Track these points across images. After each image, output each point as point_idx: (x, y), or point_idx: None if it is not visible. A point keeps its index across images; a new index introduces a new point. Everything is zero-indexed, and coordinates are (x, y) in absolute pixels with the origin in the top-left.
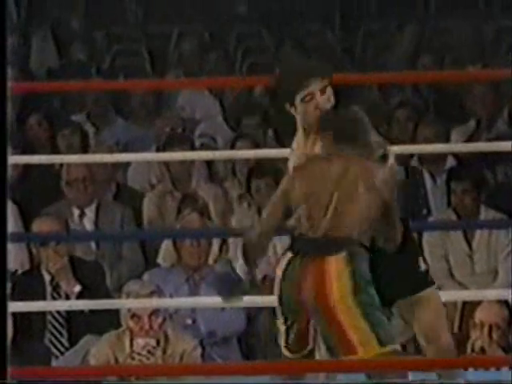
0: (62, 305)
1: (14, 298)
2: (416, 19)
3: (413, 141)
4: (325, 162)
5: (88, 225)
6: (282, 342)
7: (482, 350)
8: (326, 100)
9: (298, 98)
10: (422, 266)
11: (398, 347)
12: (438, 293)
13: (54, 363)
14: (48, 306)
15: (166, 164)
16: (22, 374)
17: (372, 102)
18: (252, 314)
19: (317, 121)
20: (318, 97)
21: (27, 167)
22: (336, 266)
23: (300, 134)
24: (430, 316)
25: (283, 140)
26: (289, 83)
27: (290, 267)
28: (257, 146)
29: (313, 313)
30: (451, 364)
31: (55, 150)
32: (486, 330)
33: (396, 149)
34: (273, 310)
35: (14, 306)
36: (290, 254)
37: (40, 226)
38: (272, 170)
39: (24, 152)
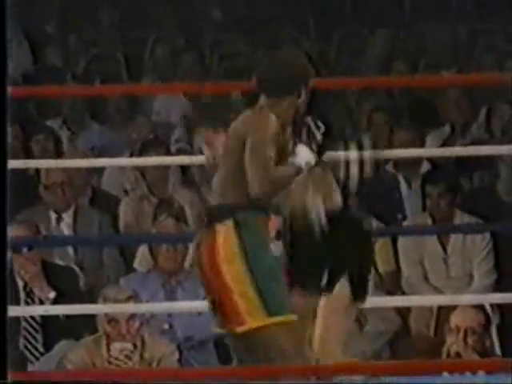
0: (37, 310)
1: None
2: (389, 23)
3: (388, 145)
4: None
5: (66, 229)
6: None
7: (458, 354)
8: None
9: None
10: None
11: (290, 317)
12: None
13: (29, 368)
14: (24, 312)
15: (142, 169)
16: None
17: (347, 106)
18: None
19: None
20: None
21: None
22: (225, 235)
23: None
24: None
25: None
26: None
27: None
28: None
29: (206, 282)
30: (427, 368)
31: (29, 156)
32: (461, 334)
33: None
34: None
35: None
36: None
37: (14, 231)
38: None
39: None
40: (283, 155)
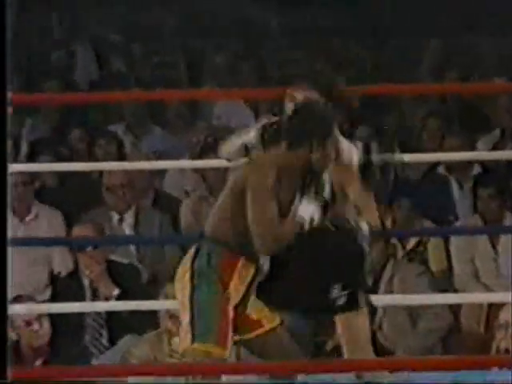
0: (102, 306)
1: (56, 300)
2: (441, 34)
3: (440, 149)
4: None
5: (127, 229)
6: None
7: (507, 350)
8: None
9: None
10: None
11: (210, 347)
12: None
13: (94, 362)
14: (89, 307)
15: (202, 171)
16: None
17: (402, 112)
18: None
19: None
20: None
21: (67, 175)
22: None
23: None
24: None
25: None
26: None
27: None
28: None
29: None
30: (476, 364)
31: (93, 159)
32: (510, 330)
33: (425, 157)
34: None
35: (55, 308)
36: None
37: (79, 231)
38: None
39: (62, 160)
40: (284, 206)
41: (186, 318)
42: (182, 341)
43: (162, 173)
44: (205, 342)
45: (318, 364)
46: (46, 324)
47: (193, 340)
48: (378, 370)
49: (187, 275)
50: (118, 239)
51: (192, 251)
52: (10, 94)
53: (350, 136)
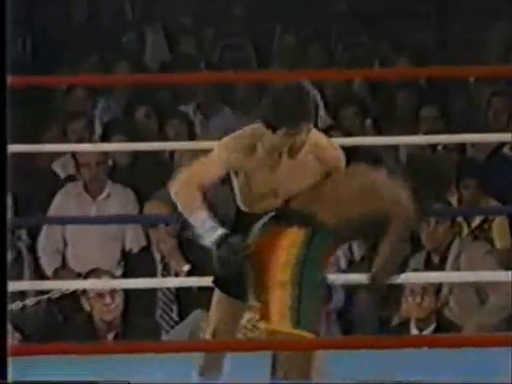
0: (173, 281)
1: (129, 275)
2: (507, 16)
3: (507, 129)
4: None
5: None
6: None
7: None
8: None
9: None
10: None
11: (309, 335)
12: None
13: (164, 337)
14: (160, 283)
15: None
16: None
17: (468, 92)
18: (351, 289)
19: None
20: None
21: (138, 154)
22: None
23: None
24: None
25: (380, 128)
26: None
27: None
28: (350, 135)
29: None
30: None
31: (164, 139)
32: None
33: (491, 137)
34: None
35: (127, 283)
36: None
37: (151, 208)
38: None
39: (132, 140)
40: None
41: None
42: (274, 322)
43: None
44: (309, 330)
45: (385, 340)
46: (119, 299)
47: (295, 325)
48: (445, 346)
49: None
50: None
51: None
52: (9, 78)
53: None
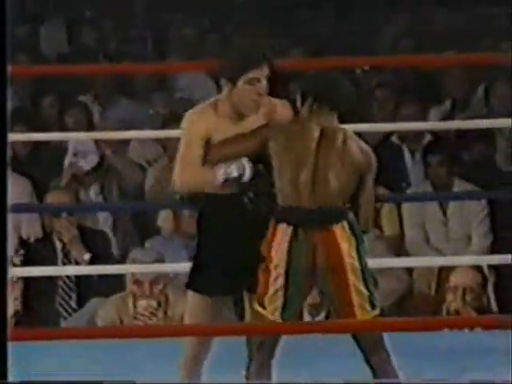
0: (71, 270)
1: (27, 264)
2: (399, 8)
3: (393, 119)
4: (301, 126)
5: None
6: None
7: (457, 312)
8: (266, 87)
9: (240, 80)
10: None
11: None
12: None
13: (62, 324)
14: (58, 271)
15: (164, 141)
16: (23, 337)
17: (355, 82)
18: None
19: (255, 103)
20: (263, 83)
21: (38, 144)
22: (342, 234)
23: (223, 107)
24: None
25: None
26: (236, 64)
27: (295, 239)
28: None
29: (322, 279)
30: (427, 325)
31: (64, 128)
32: (460, 293)
33: (378, 126)
34: None
35: (27, 271)
36: (285, 226)
37: (53, 198)
38: None
39: (36, 130)
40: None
41: (357, 284)
42: (362, 310)
43: (125, 142)
44: (377, 308)
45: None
46: (18, 290)
47: (373, 307)
48: (342, 331)
49: (353, 247)
50: (91, 207)
51: (345, 224)
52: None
53: None
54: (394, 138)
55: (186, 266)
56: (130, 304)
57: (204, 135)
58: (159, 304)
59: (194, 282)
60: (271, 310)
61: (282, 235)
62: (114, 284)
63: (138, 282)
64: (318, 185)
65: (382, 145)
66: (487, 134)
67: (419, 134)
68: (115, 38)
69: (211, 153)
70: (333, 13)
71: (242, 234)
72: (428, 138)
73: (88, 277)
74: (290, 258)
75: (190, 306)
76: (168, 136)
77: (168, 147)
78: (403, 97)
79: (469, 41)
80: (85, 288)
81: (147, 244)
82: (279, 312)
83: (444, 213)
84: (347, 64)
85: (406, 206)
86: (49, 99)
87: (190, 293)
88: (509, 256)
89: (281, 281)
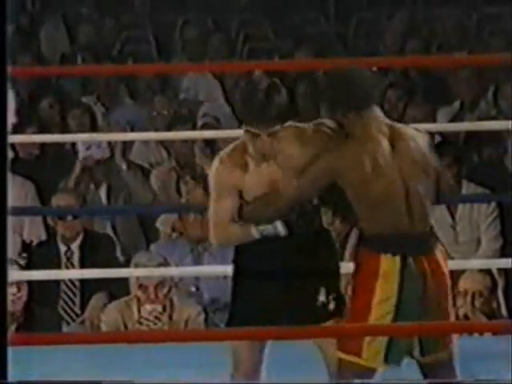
0: (74, 274)
1: (30, 267)
2: (405, 8)
3: (401, 120)
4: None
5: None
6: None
7: (466, 316)
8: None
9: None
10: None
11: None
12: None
13: (64, 329)
14: (61, 275)
15: (167, 143)
16: (24, 342)
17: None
18: None
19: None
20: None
21: (43, 146)
22: (443, 257)
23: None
24: None
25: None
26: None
27: (406, 269)
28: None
29: (430, 312)
30: (437, 330)
31: (66, 130)
32: (469, 297)
33: None
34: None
35: (29, 275)
36: (390, 256)
37: (58, 200)
38: None
39: (39, 132)
40: None
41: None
42: (369, 353)
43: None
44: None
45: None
46: (24, 290)
47: (386, 361)
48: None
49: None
50: (96, 209)
51: (441, 248)
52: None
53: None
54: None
55: (190, 271)
56: (135, 309)
57: (235, 186)
58: (164, 308)
59: (236, 321)
60: (370, 356)
61: (388, 266)
62: (119, 288)
63: (142, 286)
64: (412, 203)
65: None
66: (496, 136)
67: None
68: (118, 39)
69: (247, 211)
70: (338, 13)
71: (284, 272)
72: (436, 139)
73: (92, 281)
74: (401, 290)
75: (235, 348)
76: (172, 138)
77: (172, 149)
78: (412, 98)
79: (478, 41)
80: (88, 293)
81: (152, 247)
82: (381, 357)
83: (452, 216)
84: (355, 65)
85: None
86: (49, 100)
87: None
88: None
89: (389, 318)
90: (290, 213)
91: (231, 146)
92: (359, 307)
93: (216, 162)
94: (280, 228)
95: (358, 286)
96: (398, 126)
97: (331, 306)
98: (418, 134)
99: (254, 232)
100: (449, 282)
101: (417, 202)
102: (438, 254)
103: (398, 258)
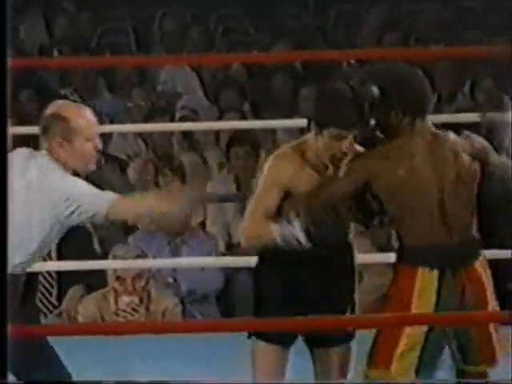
0: (51, 265)
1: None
2: (383, 1)
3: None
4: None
5: None
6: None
7: None
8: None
9: (327, 131)
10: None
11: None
12: None
13: (42, 321)
14: (38, 267)
15: (147, 135)
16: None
17: (341, 77)
18: (230, 273)
19: (335, 160)
20: (349, 141)
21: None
22: (484, 271)
23: (311, 154)
24: None
25: (259, 112)
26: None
27: (443, 283)
28: (243, 118)
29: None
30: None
31: None
32: None
33: None
34: (248, 269)
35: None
36: (427, 269)
37: None
38: (250, 139)
39: (19, 123)
40: None
41: (412, 348)
42: (400, 365)
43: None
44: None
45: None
46: None
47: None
48: (321, 327)
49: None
50: None
51: (482, 258)
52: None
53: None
54: (379, 132)
55: (168, 262)
56: (112, 301)
57: (285, 185)
58: (141, 300)
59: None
60: (401, 370)
61: (425, 281)
62: (96, 280)
63: (120, 278)
64: (450, 213)
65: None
66: (473, 128)
67: None
68: (96, 31)
69: (292, 204)
70: (316, 6)
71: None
72: None
73: (69, 273)
74: (437, 306)
75: (256, 358)
76: (151, 130)
77: (150, 141)
78: None
79: (456, 35)
80: (66, 285)
81: (130, 239)
82: (413, 371)
83: None
84: (334, 57)
85: None
86: (28, 92)
87: (257, 344)
88: (503, 251)
89: (423, 334)
90: (323, 213)
91: (290, 144)
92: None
93: (273, 155)
94: (300, 235)
95: (393, 300)
96: (442, 134)
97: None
98: (460, 142)
99: (277, 234)
100: (489, 294)
101: (454, 211)
102: (479, 265)
103: (435, 273)
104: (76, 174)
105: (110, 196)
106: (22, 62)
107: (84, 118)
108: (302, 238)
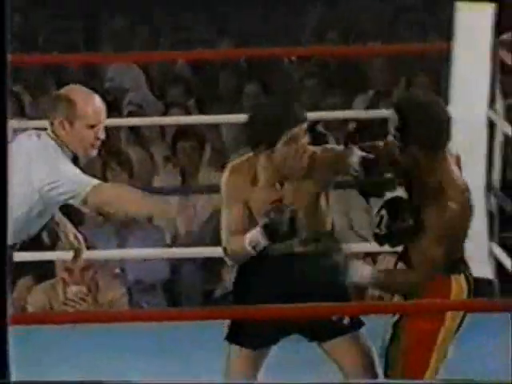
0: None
1: None
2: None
3: (319, 108)
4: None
5: None
6: None
7: (380, 297)
8: (306, 142)
9: (280, 142)
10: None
11: None
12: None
13: None
14: None
15: None
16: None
17: (283, 73)
18: (175, 264)
19: (300, 162)
20: (304, 139)
21: None
22: (457, 287)
23: (263, 176)
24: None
25: (203, 107)
26: (274, 128)
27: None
28: (188, 113)
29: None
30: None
31: None
32: None
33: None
34: (194, 260)
35: None
36: (457, 276)
37: None
38: (196, 134)
39: None
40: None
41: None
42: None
43: None
44: None
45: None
46: None
47: None
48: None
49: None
50: None
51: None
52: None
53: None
54: (319, 127)
55: (115, 253)
56: (60, 290)
57: (243, 200)
58: (89, 290)
59: (234, 334)
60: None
61: (458, 287)
62: (45, 271)
63: (68, 268)
64: None
65: (309, 133)
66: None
67: (344, 123)
68: (45, 28)
69: None
70: (258, 4)
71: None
72: (352, 125)
73: (18, 264)
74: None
75: (230, 361)
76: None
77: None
78: (330, 86)
79: (393, 32)
80: (15, 276)
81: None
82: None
83: (367, 200)
84: (275, 54)
85: (331, 195)
86: None
87: (231, 347)
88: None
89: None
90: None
91: (243, 157)
92: (427, 331)
93: (227, 169)
94: (260, 235)
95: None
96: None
97: (345, 320)
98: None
99: (247, 242)
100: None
101: None
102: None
103: (462, 277)
104: (76, 158)
105: (93, 181)
106: None
107: (91, 105)
108: (261, 236)
